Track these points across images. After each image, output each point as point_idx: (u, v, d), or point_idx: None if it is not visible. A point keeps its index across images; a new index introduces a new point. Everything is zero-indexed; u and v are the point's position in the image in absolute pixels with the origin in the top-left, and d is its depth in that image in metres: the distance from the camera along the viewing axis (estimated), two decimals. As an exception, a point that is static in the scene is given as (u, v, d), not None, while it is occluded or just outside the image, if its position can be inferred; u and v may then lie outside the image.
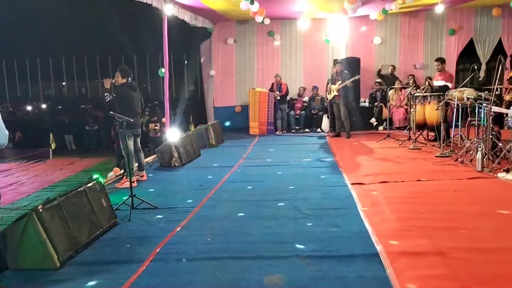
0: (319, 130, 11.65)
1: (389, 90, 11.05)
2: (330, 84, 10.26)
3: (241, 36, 12.78)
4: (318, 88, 11.90)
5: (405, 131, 9.50)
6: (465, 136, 7.19)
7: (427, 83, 8.59)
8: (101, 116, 13.70)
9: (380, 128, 11.29)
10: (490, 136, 6.19)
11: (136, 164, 6.50)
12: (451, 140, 7.66)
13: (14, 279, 3.39)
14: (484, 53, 12.07)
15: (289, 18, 12.28)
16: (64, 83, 20.34)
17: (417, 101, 8.40)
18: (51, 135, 12.10)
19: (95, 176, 4.69)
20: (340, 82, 9.89)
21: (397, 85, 11.17)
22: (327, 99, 10.66)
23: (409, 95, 9.15)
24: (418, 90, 9.00)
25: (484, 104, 6.25)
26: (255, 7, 9.50)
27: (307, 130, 11.80)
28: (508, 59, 11.66)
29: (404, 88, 10.90)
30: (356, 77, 10.05)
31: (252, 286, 3.12)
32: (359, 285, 3.05)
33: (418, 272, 3.15)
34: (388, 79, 11.76)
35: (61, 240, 3.60)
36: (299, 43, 12.74)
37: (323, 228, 4.19)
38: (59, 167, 10.18)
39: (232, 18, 12.22)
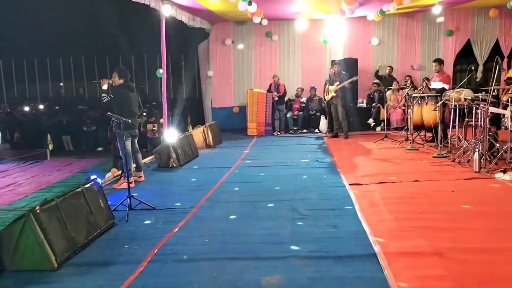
0: (317, 130, 11.65)
1: (387, 91, 11.07)
2: (328, 85, 10.27)
3: (239, 37, 12.79)
4: (316, 89, 11.90)
5: (403, 132, 9.51)
6: (462, 137, 7.22)
7: (424, 84, 8.60)
8: (98, 117, 13.67)
9: (378, 128, 11.30)
10: (487, 137, 6.22)
11: (134, 165, 6.49)
12: (449, 141, 7.68)
13: (12, 280, 3.38)
14: (481, 54, 12.12)
15: (287, 19, 12.28)
16: (61, 84, 20.28)
17: (414, 101, 8.42)
18: (48, 136, 12.08)
19: (92, 177, 4.68)
20: (338, 83, 9.89)
21: (394, 86, 11.19)
22: (325, 100, 10.65)
23: (407, 96, 9.17)
24: (415, 91, 9.02)
25: (481, 105, 6.27)
26: (253, 8, 9.51)
27: (305, 130, 11.79)
28: (505, 60, 11.71)
29: (402, 89, 10.92)
30: (354, 79, 10.05)
31: (250, 287, 3.12)
32: (357, 286, 3.06)
33: (415, 273, 3.16)
34: (385, 80, 11.77)
35: (58, 241, 3.60)
36: (297, 44, 12.75)
37: (321, 229, 4.19)
38: (56, 167, 10.14)
39: (230, 19, 12.23)
